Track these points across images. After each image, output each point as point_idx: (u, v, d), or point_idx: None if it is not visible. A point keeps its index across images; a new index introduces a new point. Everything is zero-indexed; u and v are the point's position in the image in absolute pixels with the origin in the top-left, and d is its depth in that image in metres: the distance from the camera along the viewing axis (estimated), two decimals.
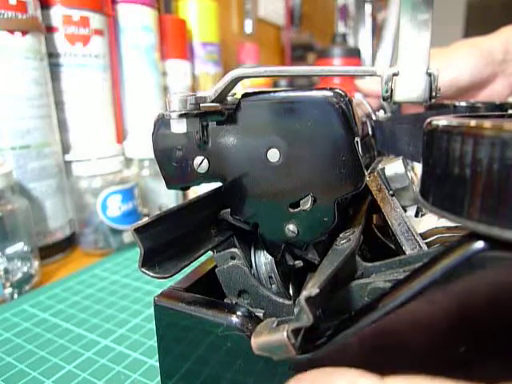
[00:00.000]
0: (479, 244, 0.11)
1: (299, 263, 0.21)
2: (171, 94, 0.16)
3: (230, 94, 0.18)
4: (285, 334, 0.14)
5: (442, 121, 0.13)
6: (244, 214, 0.20)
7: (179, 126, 0.16)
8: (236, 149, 0.19)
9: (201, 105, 0.17)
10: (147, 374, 0.24)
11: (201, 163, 0.19)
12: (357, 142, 0.17)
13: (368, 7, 1.10)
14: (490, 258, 0.11)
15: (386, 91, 0.17)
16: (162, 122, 0.19)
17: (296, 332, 0.14)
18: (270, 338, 0.14)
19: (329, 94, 0.17)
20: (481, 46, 0.51)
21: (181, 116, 0.16)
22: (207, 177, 0.20)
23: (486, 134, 0.11)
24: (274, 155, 0.18)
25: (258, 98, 0.18)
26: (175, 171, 0.20)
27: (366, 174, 0.17)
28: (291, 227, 0.19)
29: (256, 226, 0.20)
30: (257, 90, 0.18)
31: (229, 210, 0.20)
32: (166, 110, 0.17)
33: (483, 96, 0.53)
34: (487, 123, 0.11)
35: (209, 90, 0.18)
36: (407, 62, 0.17)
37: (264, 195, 0.19)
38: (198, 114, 0.17)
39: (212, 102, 0.18)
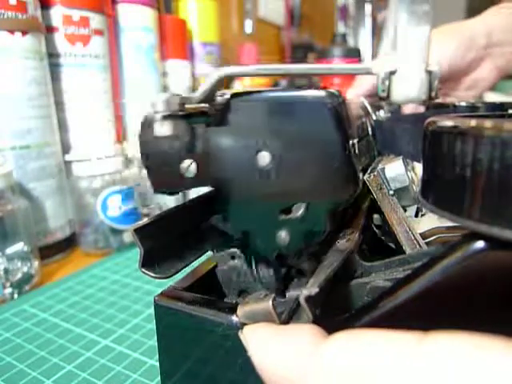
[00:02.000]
0: (479, 244, 0.11)
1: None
2: (156, 95, 0.16)
3: (218, 93, 0.17)
4: (270, 302, 0.15)
5: (442, 121, 0.13)
6: (235, 220, 0.19)
7: (163, 129, 0.15)
8: (225, 152, 0.18)
9: (187, 106, 0.16)
10: (147, 374, 0.24)
11: (189, 167, 0.18)
12: (353, 144, 0.16)
13: (368, 7, 1.10)
14: (491, 258, 0.11)
15: (383, 91, 0.16)
16: (148, 124, 0.18)
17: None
18: (255, 306, 0.15)
19: (321, 93, 0.16)
20: (462, 32, 0.49)
21: (165, 118, 0.15)
22: (196, 181, 0.18)
23: (487, 133, 0.11)
24: (264, 159, 0.17)
25: (248, 99, 0.17)
26: (163, 175, 0.18)
27: (362, 179, 0.16)
28: (283, 235, 0.18)
29: (247, 234, 0.19)
30: (247, 90, 0.18)
31: (220, 215, 0.19)
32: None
33: (468, 81, 0.52)
34: (487, 123, 0.11)
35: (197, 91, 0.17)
36: (405, 58, 0.16)
37: (255, 200, 0.18)
38: (184, 116, 0.16)
39: (199, 102, 0.17)
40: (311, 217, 0.17)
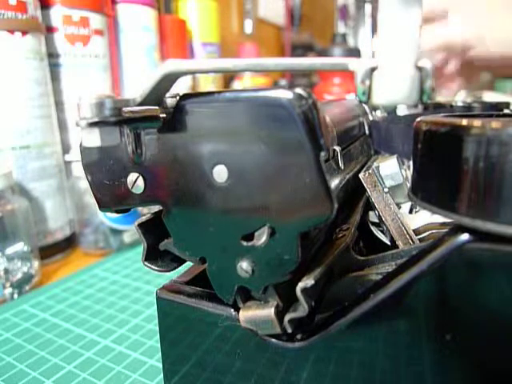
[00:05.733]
0: (465, 236, 0.12)
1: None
2: (82, 97, 0.13)
3: (170, 94, 0.15)
4: (272, 310, 0.15)
5: (429, 120, 0.13)
6: (189, 246, 0.16)
7: (92, 138, 0.13)
8: (175, 164, 0.15)
9: (124, 109, 0.14)
10: (147, 374, 0.24)
11: (135, 182, 0.16)
12: (331, 152, 0.15)
13: (368, 7, 1.10)
14: (475, 249, 0.12)
15: (363, 93, 0.13)
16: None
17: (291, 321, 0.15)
18: (258, 312, 0.15)
19: (286, 94, 0.13)
20: None
21: (92, 125, 0.13)
22: (145, 198, 0.16)
23: (470, 132, 0.11)
24: (220, 173, 0.14)
25: (199, 100, 0.15)
26: (107, 191, 0.17)
27: (335, 202, 0.13)
28: (244, 265, 0.15)
29: (204, 261, 0.17)
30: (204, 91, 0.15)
31: (171, 239, 0.17)
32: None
33: None
34: (471, 122, 0.11)
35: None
36: (390, 51, 0.12)
37: (211, 224, 0.15)
38: (119, 122, 0.14)
39: (139, 105, 0.14)
40: (278, 243, 0.14)
